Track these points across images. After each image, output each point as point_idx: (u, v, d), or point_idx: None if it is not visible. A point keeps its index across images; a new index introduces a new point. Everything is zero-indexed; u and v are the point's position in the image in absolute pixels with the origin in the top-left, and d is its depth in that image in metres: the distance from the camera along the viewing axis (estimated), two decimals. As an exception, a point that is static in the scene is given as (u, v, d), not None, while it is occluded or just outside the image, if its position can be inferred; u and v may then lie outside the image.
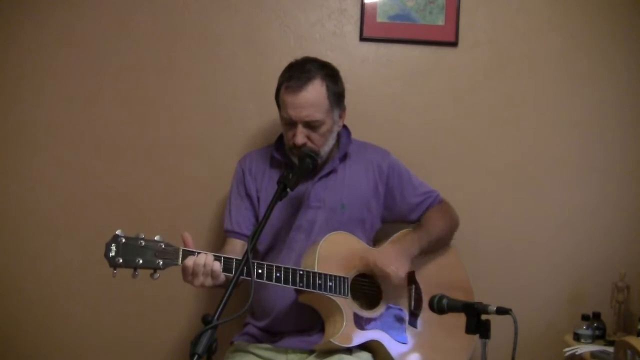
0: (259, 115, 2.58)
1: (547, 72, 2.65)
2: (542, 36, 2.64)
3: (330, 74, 2.20)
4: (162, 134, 2.59)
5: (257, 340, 2.22)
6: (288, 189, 1.98)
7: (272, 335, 2.21)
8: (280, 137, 2.32)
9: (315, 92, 2.13)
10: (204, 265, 1.85)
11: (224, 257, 1.91)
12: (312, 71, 2.15)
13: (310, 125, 2.13)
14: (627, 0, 2.63)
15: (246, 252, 1.79)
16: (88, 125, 2.59)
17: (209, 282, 1.88)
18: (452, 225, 2.38)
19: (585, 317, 2.46)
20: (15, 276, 2.58)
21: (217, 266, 1.87)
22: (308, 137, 2.14)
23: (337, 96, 2.20)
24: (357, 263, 2.14)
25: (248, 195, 2.27)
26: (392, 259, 2.11)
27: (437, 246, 2.32)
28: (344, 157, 2.29)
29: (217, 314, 1.61)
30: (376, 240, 2.34)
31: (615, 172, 2.65)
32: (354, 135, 2.38)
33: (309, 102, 2.12)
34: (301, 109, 2.11)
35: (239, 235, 2.24)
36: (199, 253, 1.87)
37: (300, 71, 2.14)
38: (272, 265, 1.97)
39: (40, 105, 2.58)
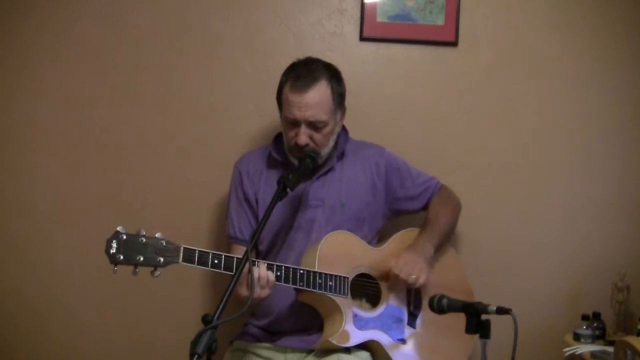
0: (259, 115, 2.58)
1: (547, 72, 2.65)
2: (542, 36, 2.64)
3: (334, 75, 2.20)
4: (162, 133, 2.59)
5: (257, 339, 2.22)
6: (288, 189, 1.98)
7: (271, 334, 2.21)
8: (278, 137, 2.32)
9: (321, 92, 2.13)
10: (259, 279, 1.89)
11: (225, 256, 1.91)
12: (317, 71, 2.15)
13: (314, 126, 2.13)
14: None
15: (246, 252, 1.79)
16: (88, 126, 2.59)
17: (265, 293, 1.92)
18: (457, 211, 2.39)
19: (585, 317, 2.46)
20: (14, 276, 2.58)
21: (272, 276, 1.92)
22: (310, 138, 2.14)
23: (340, 97, 2.21)
24: (357, 262, 2.14)
25: (247, 199, 2.27)
26: (412, 267, 2.10)
27: (449, 236, 2.34)
28: (341, 156, 2.29)
29: (217, 314, 1.60)
30: (379, 239, 2.35)
31: (615, 172, 2.64)
32: (353, 135, 2.38)
33: (315, 102, 2.11)
34: (307, 109, 2.11)
35: (243, 242, 2.24)
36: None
37: (306, 71, 2.14)
38: (272, 264, 1.97)
39: (39, 105, 2.58)
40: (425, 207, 2.37)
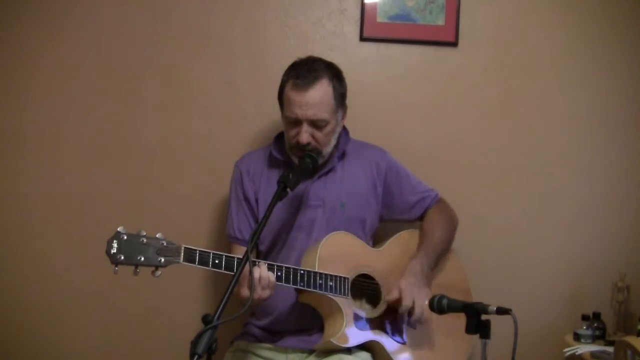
0: (259, 115, 2.58)
1: (547, 72, 2.64)
2: (542, 36, 2.64)
3: (336, 74, 2.20)
4: (162, 133, 2.59)
5: (258, 339, 2.22)
6: (288, 189, 1.98)
7: (272, 334, 2.21)
8: (279, 136, 2.32)
9: (322, 91, 2.13)
10: (260, 279, 1.90)
11: (226, 256, 1.91)
12: (319, 70, 2.15)
13: (316, 125, 2.13)
14: None
15: (246, 252, 1.79)
16: (87, 126, 2.58)
17: (266, 294, 1.93)
18: (453, 226, 2.38)
19: (585, 317, 2.46)
20: (13, 277, 2.58)
21: (272, 277, 1.93)
22: (312, 136, 2.14)
23: (341, 96, 2.21)
24: (357, 262, 2.13)
25: (247, 199, 2.27)
26: (417, 304, 2.08)
27: (445, 252, 2.32)
28: (342, 156, 2.29)
29: (217, 314, 1.60)
30: (375, 239, 2.35)
31: (616, 172, 2.64)
32: (353, 135, 2.38)
33: (317, 101, 2.11)
34: (308, 108, 2.11)
35: (243, 242, 2.24)
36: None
37: (307, 70, 2.14)
38: (273, 265, 1.97)
39: (39, 105, 2.58)
40: (421, 218, 2.37)
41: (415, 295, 2.08)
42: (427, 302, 2.06)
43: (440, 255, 2.27)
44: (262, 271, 1.91)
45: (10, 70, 2.58)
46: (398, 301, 2.09)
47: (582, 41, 2.64)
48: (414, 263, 2.18)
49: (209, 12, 2.59)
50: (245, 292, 1.93)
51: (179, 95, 2.60)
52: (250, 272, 1.80)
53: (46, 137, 2.58)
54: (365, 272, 2.16)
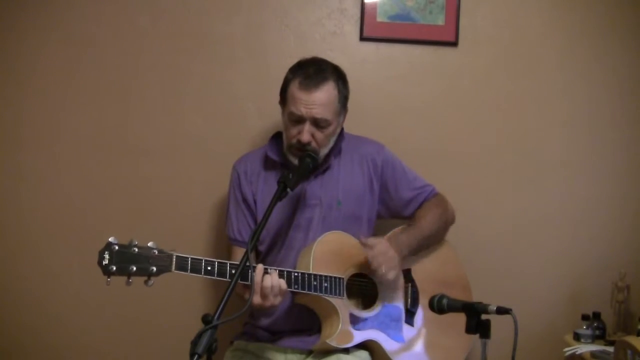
0: (259, 115, 2.58)
1: (548, 72, 2.65)
2: (543, 35, 2.64)
3: (341, 77, 2.22)
4: (162, 134, 2.59)
5: (257, 339, 2.22)
6: (288, 189, 1.98)
7: (272, 334, 2.21)
8: (274, 137, 2.32)
9: (329, 93, 2.14)
10: (272, 288, 1.90)
11: (218, 262, 1.91)
12: (327, 71, 2.16)
13: (318, 125, 2.14)
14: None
15: (245, 253, 1.79)
16: (88, 126, 2.58)
17: (278, 300, 1.93)
18: (446, 220, 2.35)
19: (585, 317, 2.46)
20: (12, 278, 2.57)
21: (284, 284, 1.93)
22: (312, 136, 2.14)
23: (345, 100, 2.22)
24: (352, 262, 2.13)
25: (245, 200, 2.27)
26: (385, 260, 2.10)
27: (431, 242, 2.31)
28: (337, 153, 2.29)
29: (217, 314, 1.60)
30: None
31: (615, 172, 2.65)
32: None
33: (323, 101, 2.12)
34: (314, 107, 2.11)
35: (243, 243, 2.24)
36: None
37: (315, 70, 2.15)
38: (266, 268, 1.96)
39: (39, 105, 2.58)
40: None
41: (382, 256, 2.08)
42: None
43: (422, 243, 2.26)
44: (273, 279, 1.91)
45: (8, 70, 2.57)
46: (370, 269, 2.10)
47: (582, 41, 2.64)
48: (393, 237, 2.19)
49: (208, 12, 2.59)
50: (257, 299, 1.92)
51: (178, 95, 2.60)
52: (250, 275, 1.80)
53: (44, 137, 2.58)
54: (361, 272, 2.15)
